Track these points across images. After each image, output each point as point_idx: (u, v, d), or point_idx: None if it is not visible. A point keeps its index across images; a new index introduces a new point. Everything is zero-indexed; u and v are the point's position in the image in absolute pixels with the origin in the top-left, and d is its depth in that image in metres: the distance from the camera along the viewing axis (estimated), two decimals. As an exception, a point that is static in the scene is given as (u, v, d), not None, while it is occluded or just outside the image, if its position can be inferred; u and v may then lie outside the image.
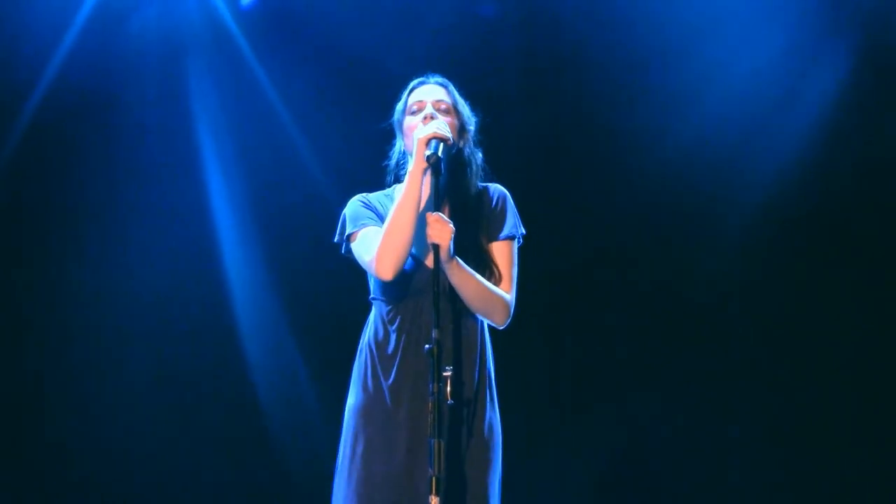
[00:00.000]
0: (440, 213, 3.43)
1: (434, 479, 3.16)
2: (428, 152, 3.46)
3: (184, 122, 5.97)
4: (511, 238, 3.68)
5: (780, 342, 5.80)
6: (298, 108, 5.99)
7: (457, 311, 3.57)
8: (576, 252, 5.85)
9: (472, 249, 3.61)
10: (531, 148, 5.54)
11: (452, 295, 3.54)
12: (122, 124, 5.94)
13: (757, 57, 5.74)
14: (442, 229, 3.39)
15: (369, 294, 3.70)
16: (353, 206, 3.72)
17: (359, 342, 3.70)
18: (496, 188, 3.76)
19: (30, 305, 5.93)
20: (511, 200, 3.74)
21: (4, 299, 5.90)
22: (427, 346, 3.27)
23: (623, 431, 5.85)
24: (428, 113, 3.61)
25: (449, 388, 3.26)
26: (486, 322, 3.66)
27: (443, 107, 3.65)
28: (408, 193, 3.50)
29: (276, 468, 5.91)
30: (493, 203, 3.71)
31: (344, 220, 3.71)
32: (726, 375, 5.78)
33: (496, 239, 3.67)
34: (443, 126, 3.53)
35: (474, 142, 3.74)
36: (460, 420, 3.50)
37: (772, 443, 5.75)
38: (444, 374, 3.26)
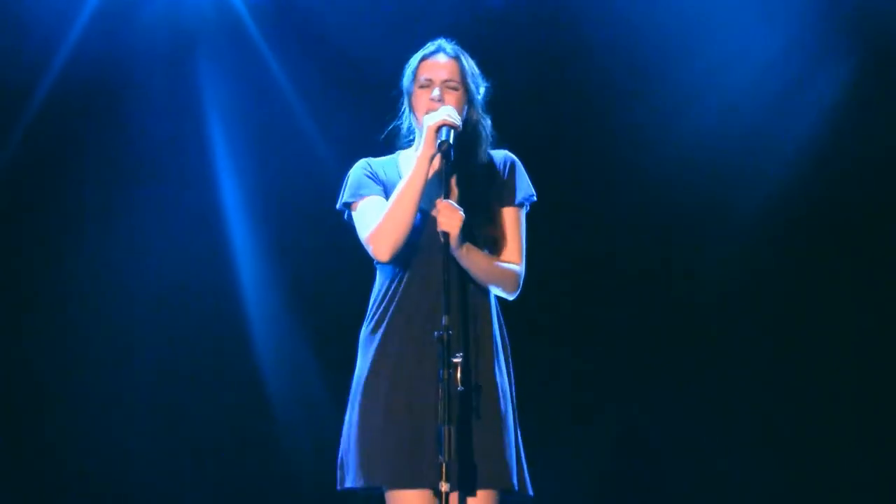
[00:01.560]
0: (450, 201, 3.44)
1: (444, 465, 3.16)
2: (440, 140, 3.46)
3: (194, 117, 5.95)
4: (521, 206, 3.69)
5: (784, 342, 5.80)
6: (311, 102, 5.98)
7: (467, 291, 3.57)
8: (578, 250, 5.84)
9: (482, 220, 3.60)
10: (534, 145, 5.51)
11: (462, 276, 3.55)
12: (131, 119, 5.91)
13: (760, 55, 5.74)
14: (451, 216, 3.40)
15: (374, 260, 3.66)
16: (356, 172, 3.71)
17: (367, 308, 3.69)
18: (504, 154, 3.75)
19: (37, 304, 5.90)
20: (520, 165, 3.74)
21: (12, 298, 5.88)
22: (437, 332, 3.27)
23: (626, 432, 5.84)
24: (435, 97, 3.59)
25: (459, 375, 3.25)
26: (494, 297, 3.66)
27: (451, 85, 3.62)
28: (414, 178, 3.50)
29: (286, 466, 5.90)
30: (502, 170, 3.71)
31: (345, 186, 3.71)
32: (730, 375, 5.79)
33: (505, 205, 3.67)
34: (453, 113, 3.52)
35: (483, 109, 3.71)
36: (472, 400, 3.48)
37: (777, 443, 5.75)
38: (455, 360, 3.25)
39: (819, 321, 5.75)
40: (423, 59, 3.68)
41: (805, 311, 5.78)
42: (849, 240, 5.76)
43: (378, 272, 3.69)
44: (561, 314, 5.89)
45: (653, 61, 5.79)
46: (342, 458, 3.60)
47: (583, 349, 5.90)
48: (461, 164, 3.62)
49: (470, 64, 3.69)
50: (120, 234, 5.91)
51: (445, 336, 3.24)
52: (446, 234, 3.39)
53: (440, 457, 3.17)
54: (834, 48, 5.72)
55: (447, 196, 3.48)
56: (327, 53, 5.95)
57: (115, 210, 5.92)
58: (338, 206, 3.73)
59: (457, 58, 3.66)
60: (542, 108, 5.80)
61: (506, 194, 3.67)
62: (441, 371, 3.22)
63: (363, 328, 3.67)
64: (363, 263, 5.80)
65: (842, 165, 5.74)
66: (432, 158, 3.49)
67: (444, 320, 3.26)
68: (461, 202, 3.52)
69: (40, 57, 5.82)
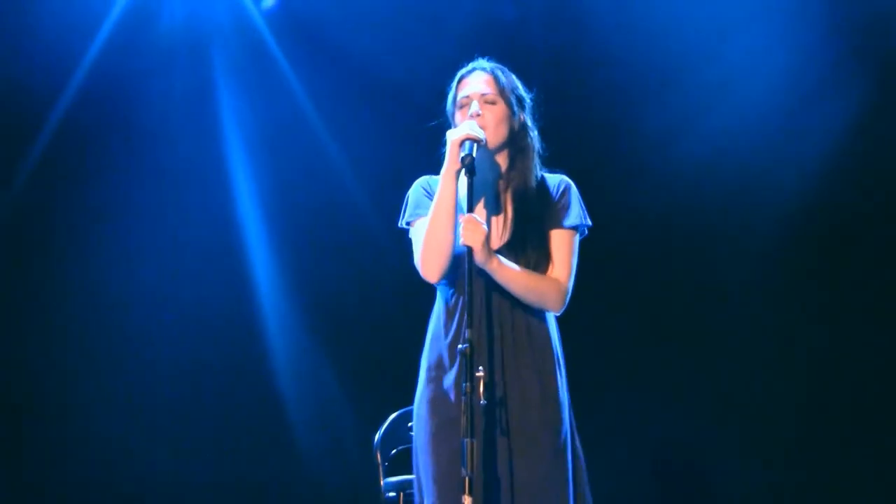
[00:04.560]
0: (473, 215, 3.43)
1: (467, 479, 3.14)
2: (462, 153, 3.44)
3: (210, 122, 5.98)
4: (573, 228, 3.63)
5: (795, 345, 5.82)
6: (326, 108, 6.00)
7: (503, 303, 3.54)
8: (587, 253, 5.84)
9: (530, 236, 3.58)
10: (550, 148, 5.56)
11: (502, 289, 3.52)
12: (149, 125, 5.95)
13: (777, 65, 5.75)
14: (474, 230, 3.38)
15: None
16: (415, 191, 3.68)
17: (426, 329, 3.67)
18: (560, 178, 3.71)
19: (56, 304, 5.92)
20: (575, 190, 3.68)
21: (33, 299, 5.89)
22: (461, 346, 3.26)
23: (645, 432, 5.86)
24: (473, 112, 3.57)
25: (482, 389, 3.24)
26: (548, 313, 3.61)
27: (489, 99, 3.60)
28: (442, 195, 3.48)
29: (300, 467, 5.91)
30: (555, 193, 3.67)
31: (406, 205, 3.69)
32: (739, 376, 5.81)
33: (555, 226, 3.61)
34: (475, 127, 3.51)
35: (529, 122, 3.69)
36: (524, 413, 3.47)
37: (785, 444, 5.78)
38: (477, 374, 3.24)
39: (837, 325, 5.77)
40: (461, 79, 3.67)
41: (822, 316, 5.80)
42: (865, 245, 5.78)
43: (437, 292, 3.67)
44: (568, 317, 5.88)
45: (669, 69, 5.80)
46: (417, 477, 3.59)
47: (586, 352, 5.87)
48: (512, 178, 3.63)
49: (509, 79, 3.67)
50: (138, 237, 5.94)
51: (469, 350, 3.23)
52: (470, 249, 3.38)
53: (463, 470, 3.16)
54: (850, 58, 5.72)
55: (489, 210, 3.50)
56: (342, 60, 5.97)
57: (134, 213, 5.95)
58: (399, 224, 3.71)
59: (493, 73, 3.64)
60: (552, 114, 5.79)
61: (556, 215, 3.62)
62: (464, 384, 3.21)
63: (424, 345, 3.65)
64: (376, 265, 5.85)
65: (858, 175, 5.76)
66: (458, 173, 3.47)
67: (468, 334, 3.24)
68: (512, 217, 3.56)
69: (63, 66, 5.86)
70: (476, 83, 3.63)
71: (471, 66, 3.69)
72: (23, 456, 5.82)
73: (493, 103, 3.60)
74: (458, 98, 3.64)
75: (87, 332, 5.88)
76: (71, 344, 5.88)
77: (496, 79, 3.63)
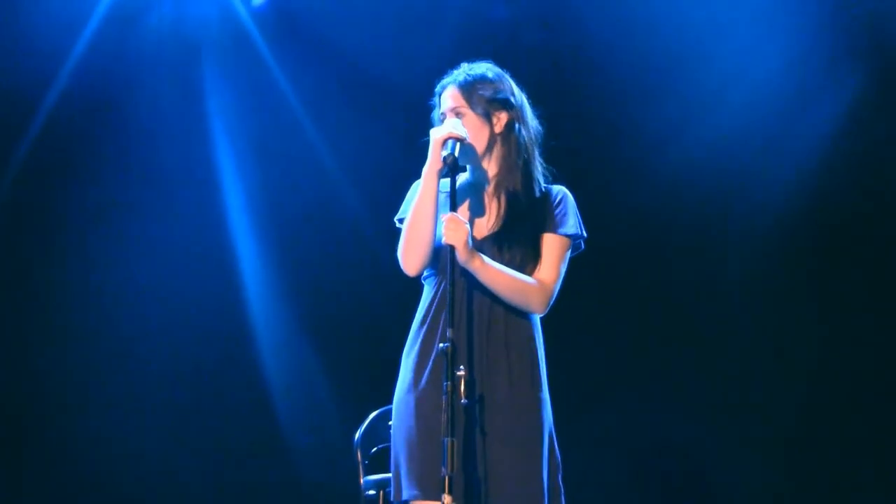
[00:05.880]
0: (456, 214, 3.45)
1: (447, 478, 3.15)
2: (445, 153, 3.47)
3: (199, 122, 5.99)
4: (565, 236, 3.63)
5: (795, 345, 5.81)
6: (315, 108, 6.01)
7: (483, 303, 3.55)
8: (588, 251, 5.84)
9: (519, 235, 3.59)
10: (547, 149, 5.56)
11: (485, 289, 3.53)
12: (137, 124, 5.96)
13: (775, 61, 5.73)
14: (457, 229, 3.40)
15: (421, 275, 3.67)
16: (411, 191, 3.71)
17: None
18: (559, 189, 3.72)
19: (46, 305, 5.93)
20: (571, 201, 3.69)
21: (20, 300, 5.91)
22: (442, 345, 3.27)
23: (646, 433, 5.85)
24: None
25: (463, 388, 3.25)
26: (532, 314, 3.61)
27: (458, 111, 3.62)
28: (424, 193, 3.51)
29: (290, 467, 5.93)
30: (553, 202, 3.67)
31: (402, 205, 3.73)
32: (739, 376, 5.80)
33: (547, 231, 3.61)
34: (458, 125, 3.54)
35: (523, 116, 3.69)
36: (496, 414, 3.48)
37: (785, 444, 5.77)
38: (458, 373, 3.25)
39: (838, 325, 5.75)
40: (440, 91, 3.70)
41: (820, 319, 5.78)
42: (864, 245, 5.76)
43: (423, 286, 3.70)
44: (566, 318, 5.88)
45: (667, 70, 5.78)
46: (393, 470, 3.60)
47: (585, 352, 5.88)
48: (502, 179, 3.64)
49: (481, 85, 3.64)
50: (126, 238, 5.94)
51: (450, 349, 3.24)
52: (453, 248, 3.39)
53: (443, 469, 3.17)
54: (849, 57, 5.71)
55: (478, 209, 3.53)
56: (331, 60, 5.98)
57: (122, 214, 5.95)
58: (396, 224, 3.73)
59: (461, 84, 3.65)
60: (548, 114, 5.79)
61: (551, 222, 3.63)
62: (445, 384, 3.23)
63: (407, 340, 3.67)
64: (367, 265, 5.87)
65: (858, 174, 5.74)
66: (440, 172, 3.50)
67: (449, 333, 3.27)
68: (503, 213, 3.59)
69: (50, 65, 5.87)
70: (446, 99, 3.66)
71: (446, 79, 3.70)
72: (23, 456, 5.84)
73: (462, 115, 3.61)
74: (439, 112, 3.68)
75: (82, 332, 5.88)
76: (67, 343, 5.89)
77: (462, 90, 3.63)
